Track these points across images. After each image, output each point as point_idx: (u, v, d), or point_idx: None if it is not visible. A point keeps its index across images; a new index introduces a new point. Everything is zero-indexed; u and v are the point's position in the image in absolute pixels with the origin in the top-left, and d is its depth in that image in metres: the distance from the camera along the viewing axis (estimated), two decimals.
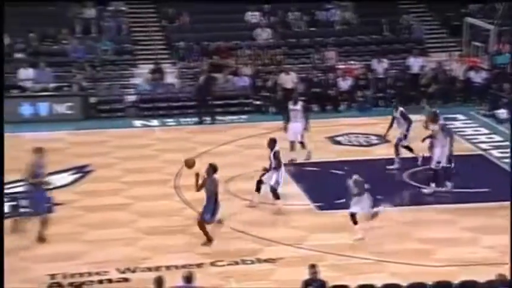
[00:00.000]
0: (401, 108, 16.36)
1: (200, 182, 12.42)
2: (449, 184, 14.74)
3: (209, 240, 12.46)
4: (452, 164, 14.85)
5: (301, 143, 16.81)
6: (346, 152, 17.56)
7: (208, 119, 20.40)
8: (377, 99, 21.98)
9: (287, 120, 16.84)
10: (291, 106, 16.90)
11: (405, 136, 16.15)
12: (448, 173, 14.71)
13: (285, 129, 16.79)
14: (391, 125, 16.41)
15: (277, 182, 13.82)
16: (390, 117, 16.54)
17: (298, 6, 24.80)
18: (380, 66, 22.40)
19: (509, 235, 11.90)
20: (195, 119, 20.42)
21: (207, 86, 20.79)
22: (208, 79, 20.98)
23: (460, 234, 12.86)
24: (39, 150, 12.78)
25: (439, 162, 14.54)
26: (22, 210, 13.02)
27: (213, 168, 12.50)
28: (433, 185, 14.68)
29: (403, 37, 24.66)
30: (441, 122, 15.07)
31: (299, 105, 16.93)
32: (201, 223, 12.45)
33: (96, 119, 20.87)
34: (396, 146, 16.21)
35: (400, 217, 13.62)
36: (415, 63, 22.57)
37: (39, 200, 12.55)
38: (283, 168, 14.01)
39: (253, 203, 14.14)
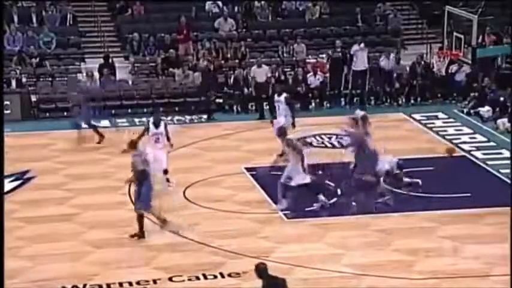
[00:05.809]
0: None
1: None
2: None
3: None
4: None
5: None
6: (317, 154, 17.65)
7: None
8: (352, 96, 22.12)
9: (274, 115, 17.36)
10: (275, 98, 17.39)
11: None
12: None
13: (272, 123, 17.05)
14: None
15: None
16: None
17: None
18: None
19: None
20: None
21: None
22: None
23: (441, 244, 13.02)
24: None
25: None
26: None
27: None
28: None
29: (379, 28, 24.95)
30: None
31: (282, 97, 17.17)
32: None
33: (37, 119, 20.68)
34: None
35: (376, 225, 13.77)
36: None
37: None
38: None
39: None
